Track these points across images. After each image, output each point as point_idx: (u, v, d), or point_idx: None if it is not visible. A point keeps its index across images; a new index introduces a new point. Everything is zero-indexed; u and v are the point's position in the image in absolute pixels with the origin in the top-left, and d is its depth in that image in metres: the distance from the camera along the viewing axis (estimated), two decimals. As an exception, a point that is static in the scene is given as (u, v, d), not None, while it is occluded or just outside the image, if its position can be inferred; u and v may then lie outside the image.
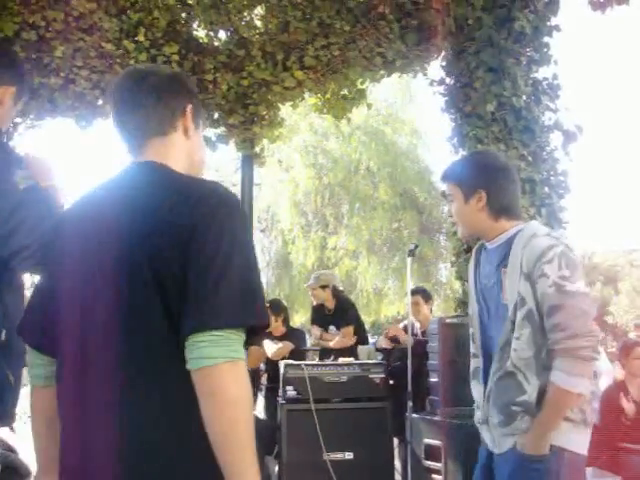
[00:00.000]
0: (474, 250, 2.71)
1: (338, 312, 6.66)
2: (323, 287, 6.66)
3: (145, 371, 1.46)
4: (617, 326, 31.10)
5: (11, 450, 3.88)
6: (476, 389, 2.57)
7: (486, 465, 2.48)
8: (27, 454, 3.58)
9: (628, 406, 5.15)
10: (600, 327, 5.97)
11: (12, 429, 3.88)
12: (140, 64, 5.95)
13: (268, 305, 6.36)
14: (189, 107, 1.74)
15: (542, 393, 2.25)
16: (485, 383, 2.47)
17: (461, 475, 3.96)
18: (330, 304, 6.70)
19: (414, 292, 5.76)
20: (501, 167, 2.59)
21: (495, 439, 2.39)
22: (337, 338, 6.52)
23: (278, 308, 6.50)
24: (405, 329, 5.40)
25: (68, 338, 1.57)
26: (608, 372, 5.60)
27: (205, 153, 1.89)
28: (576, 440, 2.28)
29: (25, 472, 3.49)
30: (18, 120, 6.09)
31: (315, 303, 6.97)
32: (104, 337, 1.51)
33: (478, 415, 2.54)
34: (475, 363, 2.61)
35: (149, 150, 1.69)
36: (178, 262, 1.45)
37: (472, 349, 2.66)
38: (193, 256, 1.44)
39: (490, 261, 2.53)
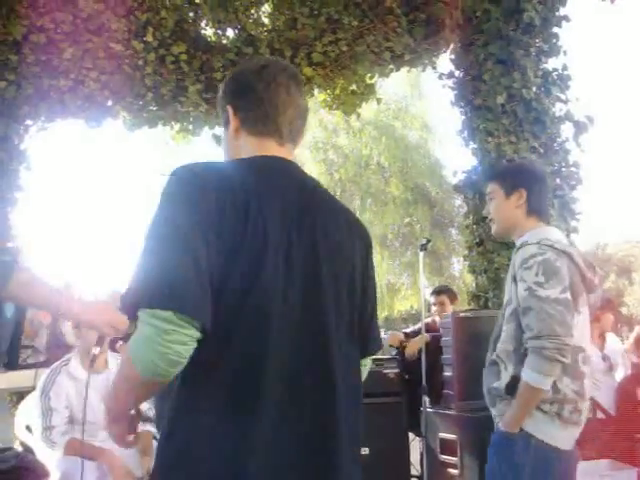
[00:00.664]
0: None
1: None
2: None
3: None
4: (632, 317, 30.91)
5: (29, 450, 3.90)
6: None
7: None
8: (44, 454, 3.60)
9: None
10: (615, 318, 5.95)
11: (29, 429, 3.90)
12: (149, 63, 5.96)
13: None
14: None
15: (514, 382, 2.51)
16: None
17: (477, 468, 3.95)
18: None
19: (440, 292, 5.70)
20: (540, 174, 2.91)
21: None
22: None
23: None
24: (419, 331, 5.33)
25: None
26: (624, 364, 5.56)
27: None
28: (545, 430, 2.49)
29: (42, 472, 3.50)
30: (29, 122, 6.12)
31: None
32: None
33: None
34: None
35: (287, 150, 1.73)
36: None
37: None
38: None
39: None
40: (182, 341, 1.30)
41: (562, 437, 2.50)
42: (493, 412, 2.65)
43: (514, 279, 2.59)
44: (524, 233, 2.72)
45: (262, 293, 1.40)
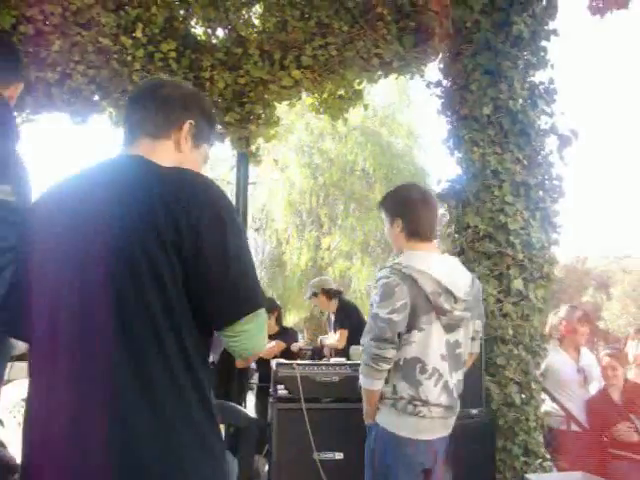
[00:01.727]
0: None
1: (339, 315, 6.65)
2: (315, 295, 6.67)
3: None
4: (609, 332, 31.17)
5: (1, 445, 3.87)
6: None
7: None
8: (17, 448, 3.57)
9: (614, 412, 5.17)
10: (592, 332, 6.00)
11: (1, 423, 3.87)
12: (137, 59, 5.95)
13: None
14: (188, 123, 1.84)
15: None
16: None
17: (450, 473, 3.96)
18: (332, 308, 6.68)
19: None
20: (415, 200, 3.25)
21: None
22: (330, 340, 6.52)
23: (271, 307, 6.50)
24: None
25: (46, 326, 1.60)
26: (599, 378, 5.61)
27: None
28: (384, 420, 3.07)
29: (14, 466, 3.47)
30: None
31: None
32: (96, 329, 1.54)
33: None
34: None
35: (139, 147, 1.79)
36: (175, 246, 1.53)
37: None
38: (204, 246, 1.56)
39: None
40: None
41: (398, 424, 3.00)
42: None
43: None
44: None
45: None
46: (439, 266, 3.05)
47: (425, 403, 2.93)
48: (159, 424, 1.51)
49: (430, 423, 2.99)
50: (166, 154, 1.79)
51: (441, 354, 3.01)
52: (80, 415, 1.51)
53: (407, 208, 3.22)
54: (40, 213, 1.70)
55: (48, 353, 1.57)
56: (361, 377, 3.08)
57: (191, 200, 1.57)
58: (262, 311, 1.69)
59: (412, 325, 2.96)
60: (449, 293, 2.99)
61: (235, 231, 1.63)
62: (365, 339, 3.02)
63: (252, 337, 1.68)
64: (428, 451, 3.02)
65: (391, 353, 2.94)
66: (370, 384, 3.06)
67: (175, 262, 1.54)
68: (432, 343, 2.99)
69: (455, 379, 3.06)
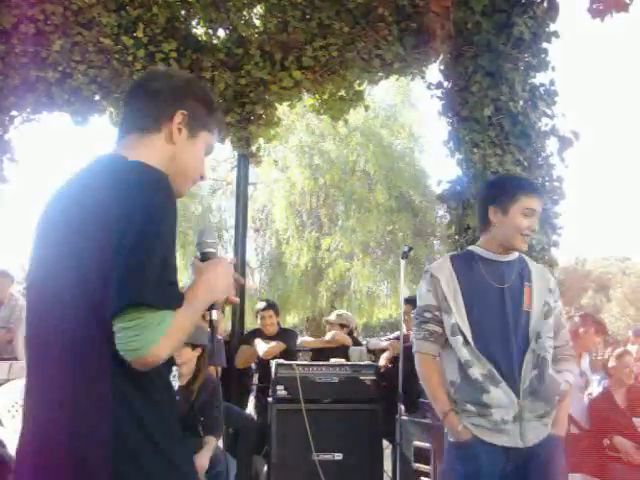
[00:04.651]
0: (450, 258, 3.02)
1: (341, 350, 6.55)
2: (342, 326, 6.61)
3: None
4: (608, 334, 31.13)
5: (0, 444, 3.87)
6: (498, 392, 2.72)
7: (499, 462, 2.71)
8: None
9: (617, 415, 5.17)
10: (602, 342, 6.01)
11: (0, 423, 3.87)
12: (138, 59, 5.95)
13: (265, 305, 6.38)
14: (179, 113, 1.76)
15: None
16: (512, 384, 2.73)
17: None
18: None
19: (407, 301, 5.64)
20: None
21: (526, 433, 2.71)
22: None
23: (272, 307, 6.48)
24: (397, 338, 5.38)
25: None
26: (598, 380, 5.62)
27: (201, 164, 1.86)
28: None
29: (13, 465, 3.47)
30: (14, 113, 6.08)
31: (327, 338, 6.79)
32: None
33: (503, 415, 2.71)
34: (479, 370, 2.74)
35: (125, 143, 1.76)
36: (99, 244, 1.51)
37: (466, 357, 2.77)
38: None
39: (498, 271, 2.90)
40: None
41: None
42: (543, 421, 2.78)
43: (550, 291, 2.94)
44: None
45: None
46: None
47: None
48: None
49: None
50: (155, 148, 1.74)
51: None
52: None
53: None
54: (40, 217, 1.73)
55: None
56: (572, 377, 3.00)
57: (123, 191, 1.53)
58: (147, 308, 1.46)
59: None
60: None
61: (154, 219, 1.51)
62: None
63: (133, 337, 1.45)
64: None
65: None
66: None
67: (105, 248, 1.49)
68: None
69: None
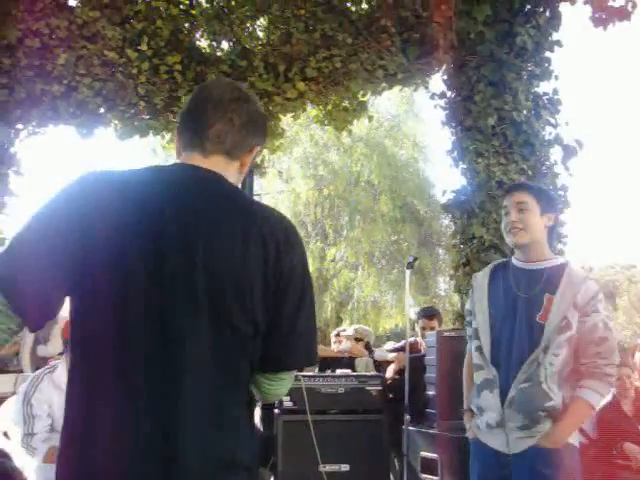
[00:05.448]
0: (492, 265, 3.09)
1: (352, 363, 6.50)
2: (357, 339, 6.58)
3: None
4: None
5: (5, 456, 3.86)
6: (488, 397, 2.83)
7: (492, 464, 2.80)
8: (22, 461, 3.57)
9: (625, 424, 5.15)
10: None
11: (6, 435, 3.87)
12: (142, 72, 5.97)
13: None
14: (257, 147, 1.76)
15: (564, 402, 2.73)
16: (503, 392, 2.78)
17: None
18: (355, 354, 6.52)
19: (432, 316, 5.68)
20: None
21: (510, 441, 2.74)
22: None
23: None
24: (403, 348, 5.35)
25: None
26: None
27: None
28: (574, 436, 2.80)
29: (19, 478, 3.47)
30: (20, 126, 6.11)
31: (336, 349, 6.78)
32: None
33: (489, 419, 2.82)
34: (485, 374, 2.86)
35: (215, 165, 1.65)
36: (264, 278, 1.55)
37: (477, 360, 2.92)
38: (288, 290, 1.58)
39: (523, 279, 2.90)
40: None
41: None
42: (524, 433, 2.73)
43: (575, 306, 2.77)
44: (548, 256, 2.93)
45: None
46: None
47: None
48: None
49: None
50: (232, 176, 1.69)
51: None
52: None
53: (558, 211, 3.35)
54: (97, 195, 1.52)
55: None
56: (596, 395, 2.77)
57: (284, 243, 1.59)
58: None
59: None
60: None
61: (310, 285, 1.65)
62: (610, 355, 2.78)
63: (286, 385, 1.69)
64: None
65: None
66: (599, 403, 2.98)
67: (258, 294, 1.53)
68: None
69: None
